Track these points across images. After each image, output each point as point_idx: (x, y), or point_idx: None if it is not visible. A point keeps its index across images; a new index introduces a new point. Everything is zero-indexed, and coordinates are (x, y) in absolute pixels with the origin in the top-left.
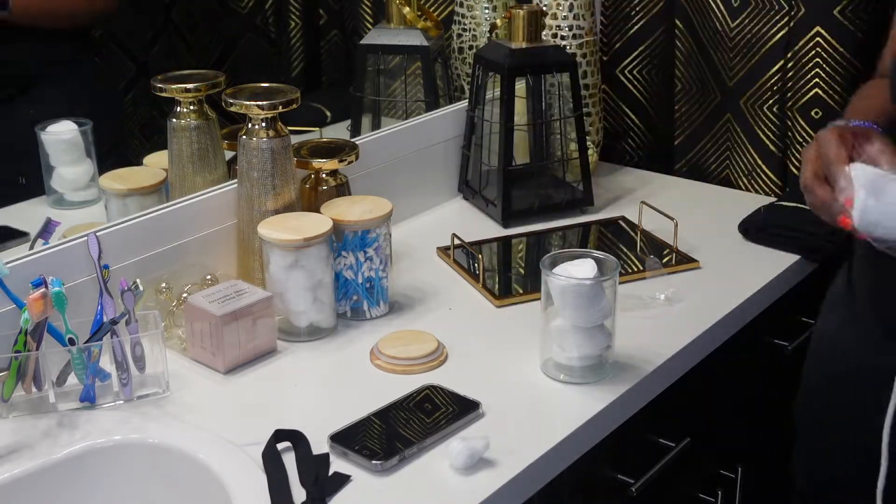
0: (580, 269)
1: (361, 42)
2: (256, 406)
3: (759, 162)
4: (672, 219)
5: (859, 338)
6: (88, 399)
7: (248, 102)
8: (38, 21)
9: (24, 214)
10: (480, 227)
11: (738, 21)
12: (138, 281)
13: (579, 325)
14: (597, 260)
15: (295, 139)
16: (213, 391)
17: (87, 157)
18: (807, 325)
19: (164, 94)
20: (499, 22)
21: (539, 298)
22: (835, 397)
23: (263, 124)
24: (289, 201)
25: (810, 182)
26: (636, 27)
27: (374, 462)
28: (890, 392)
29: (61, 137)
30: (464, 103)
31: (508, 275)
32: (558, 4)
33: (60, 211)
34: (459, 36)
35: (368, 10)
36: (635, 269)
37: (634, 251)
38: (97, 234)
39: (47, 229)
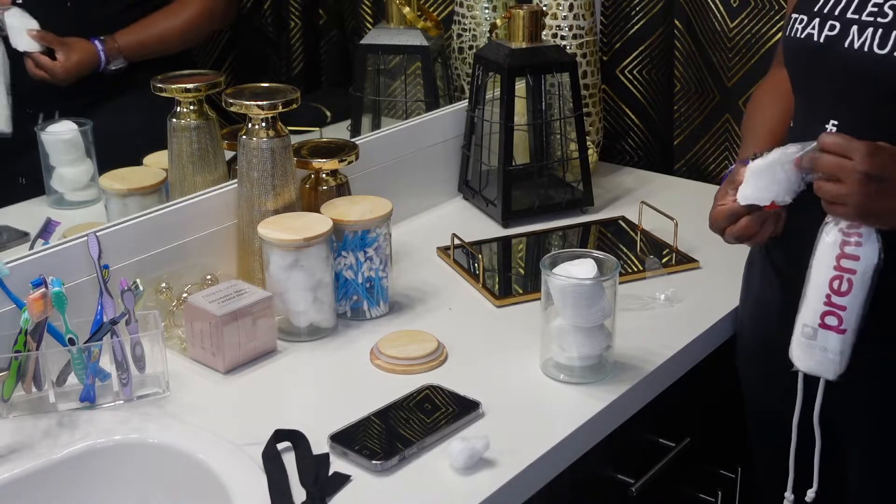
0: (580, 269)
1: (361, 42)
2: (256, 406)
3: None
4: (672, 219)
5: (773, 285)
6: (88, 399)
7: (248, 102)
8: (160, 53)
9: (24, 214)
10: (480, 227)
11: (737, 21)
12: (138, 281)
13: (579, 325)
14: (597, 260)
15: (295, 139)
16: (213, 391)
17: (86, 157)
18: None
19: (164, 94)
20: (499, 22)
21: (539, 298)
22: (760, 341)
23: (263, 124)
24: (289, 201)
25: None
26: (636, 27)
27: (374, 462)
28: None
29: (61, 137)
30: (464, 103)
31: (508, 275)
32: (558, 4)
33: (60, 211)
34: (459, 36)
35: (368, 10)
36: (635, 269)
37: (634, 251)
38: (97, 234)
39: (47, 229)
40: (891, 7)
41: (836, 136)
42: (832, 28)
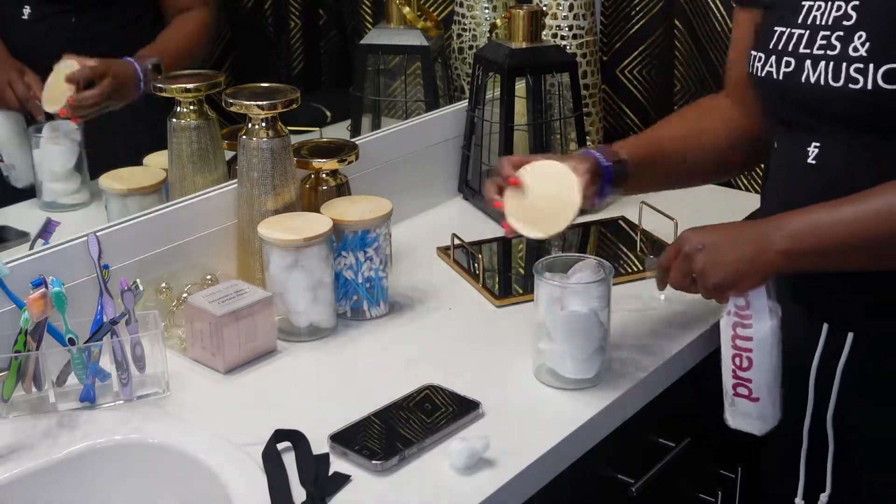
0: (579, 276)
1: (361, 42)
2: (256, 406)
3: None
4: (672, 219)
5: (788, 290)
6: (88, 399)
7: (248, 102)
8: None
9: (24, 214)
10: (480, 227)
11: None
12: (138, 281)
13: (574, 355)
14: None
15: (295, 139)
16: (213, 391)
17: (75, 171)
18: None
19: (164, 94)
20: (499, 22)
21: None
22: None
23: (263, 124)
24: (289, 201)
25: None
26: (636, 27)
27: (374, 462)
28: (818, 338)
29: (54, 165)
30: (464, 103)
31: (508, 275)
32: (558, 4)
33: (52, 213)
34: (459, 36)
35: (368, 10)
36: (635, 269)
37: (634, 251)
38: (97, 234)
39: (47, 229)
40: (837, 39)
41: (661, 256)
42: (788, 65)
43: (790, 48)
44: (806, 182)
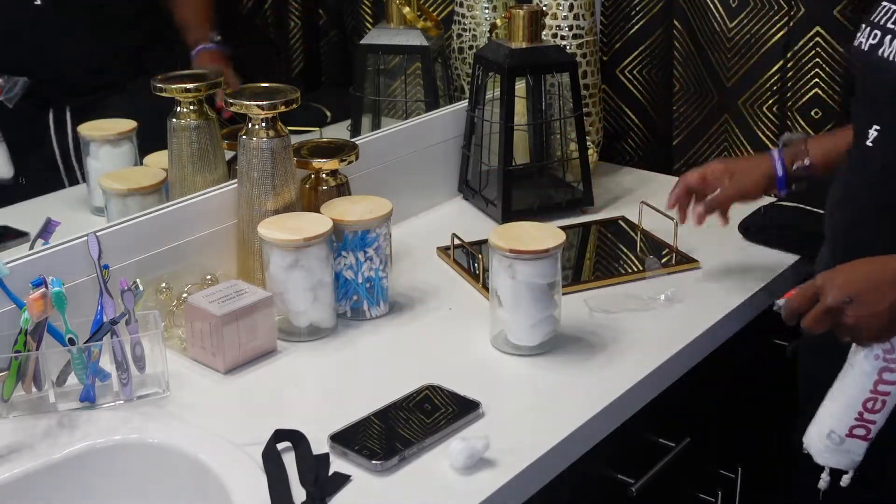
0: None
1: (361, 42)
2: (256, 406)
3: None
4: (672, 219)
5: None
6: (88, 399)
7: (248, 102)
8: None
9: (24, 214)
10: (480, 227)
11: (736, 21)
12: (138, 281)
13: (526, 324)
14: None
15: (295, 139)
16: (213, 391)
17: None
18: None
19: (164, 94)
20: (499, 22)
21: None
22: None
23: (263, 124)
24: (289, 201)
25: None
26: (636, 27)
27: (374, 462)
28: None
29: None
30: (464, 103)
31: None
32: (558, 4)
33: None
34: (459, 36)
35: (368, 10)
36: (635, 269)
37: (634, 251)
38: (97, 234)
39: (47, 229)
40: None
41: (792, 297)
42: (874, 37)
43: (882, 21)
44: (863, 164)
